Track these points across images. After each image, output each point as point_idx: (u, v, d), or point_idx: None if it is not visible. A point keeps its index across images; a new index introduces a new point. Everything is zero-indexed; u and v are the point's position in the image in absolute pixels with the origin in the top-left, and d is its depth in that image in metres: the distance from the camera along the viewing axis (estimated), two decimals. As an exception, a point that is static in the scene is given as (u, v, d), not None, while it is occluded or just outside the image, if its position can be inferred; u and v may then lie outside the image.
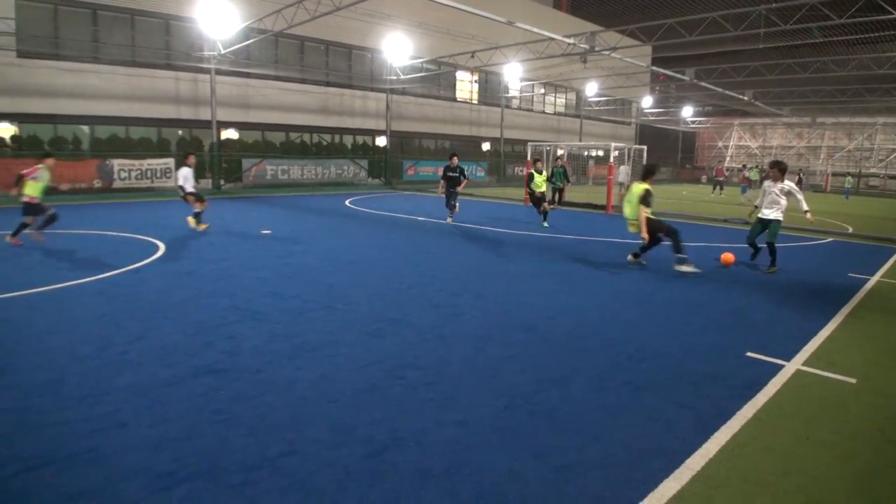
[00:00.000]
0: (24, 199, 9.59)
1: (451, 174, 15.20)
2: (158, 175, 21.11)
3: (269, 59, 25.93)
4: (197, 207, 12.16)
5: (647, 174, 9.86)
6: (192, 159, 12.57)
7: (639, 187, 9.51)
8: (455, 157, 15.52)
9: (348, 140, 29.94)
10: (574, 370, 5.03)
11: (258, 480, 3.21)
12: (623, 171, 24.71)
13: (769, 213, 9.91)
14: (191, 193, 12.16)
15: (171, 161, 21.44)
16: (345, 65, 29.40)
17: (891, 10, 17.23)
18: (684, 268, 9.21)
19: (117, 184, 20.12)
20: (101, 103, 21.54)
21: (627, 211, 9.70)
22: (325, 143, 28.78)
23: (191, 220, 12.23)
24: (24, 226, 9.69)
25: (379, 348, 5.36)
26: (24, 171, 9.69)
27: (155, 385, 4.38)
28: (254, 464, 3.36)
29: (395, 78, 29.56)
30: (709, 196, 31.15)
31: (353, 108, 29.64)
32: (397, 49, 26.29)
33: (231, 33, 21.42)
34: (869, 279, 9.69)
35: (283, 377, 4.61)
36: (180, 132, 24.21)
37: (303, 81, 27.26)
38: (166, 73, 23.04)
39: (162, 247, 10.06)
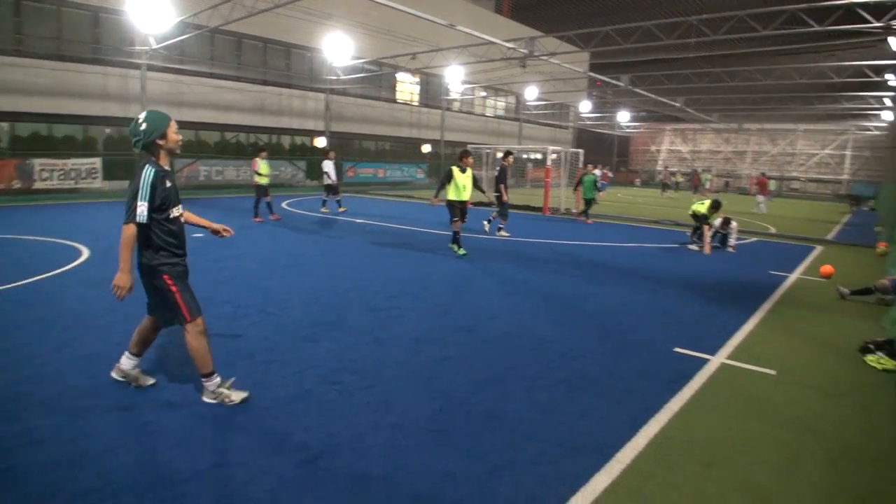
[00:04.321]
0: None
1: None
2: (84, 176, 20.21)
3: (204, 55, 25.20)
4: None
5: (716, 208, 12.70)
6: None
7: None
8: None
9: (286, 141, 29.44)
10: (510, 370, 5.10)
11: (188, 494, 3.11)
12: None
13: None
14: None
15: (97, 161, 20.57)
16: (283, 63, 28.88)
17: (811, 22, 18.20)
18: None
19: (38, 185, 19.11)
20: (22, 99, 20.37)
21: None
22: (261, 143, 28.17)
23: None
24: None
25: (314, 353, 5.30)
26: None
27: (76, 398, 4.19)
28: (183, 477, 3.25)
29: (334, 78, 29.27)
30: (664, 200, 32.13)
31: (292, 108, 29.12)
32: (337, 48, 26.03)
33: (164, 28, 20.68)
34: (788, 276, 10.24)
35: (215, 385, 4.49)
36: (108, 130, 23.21)
37: (239, 80, 26.62)
38: (94, 69, 22.01)
39: (86, 252, 9.62)
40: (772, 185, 38.78)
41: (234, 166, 25.23)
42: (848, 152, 49.49)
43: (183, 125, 24.74)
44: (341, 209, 17.52)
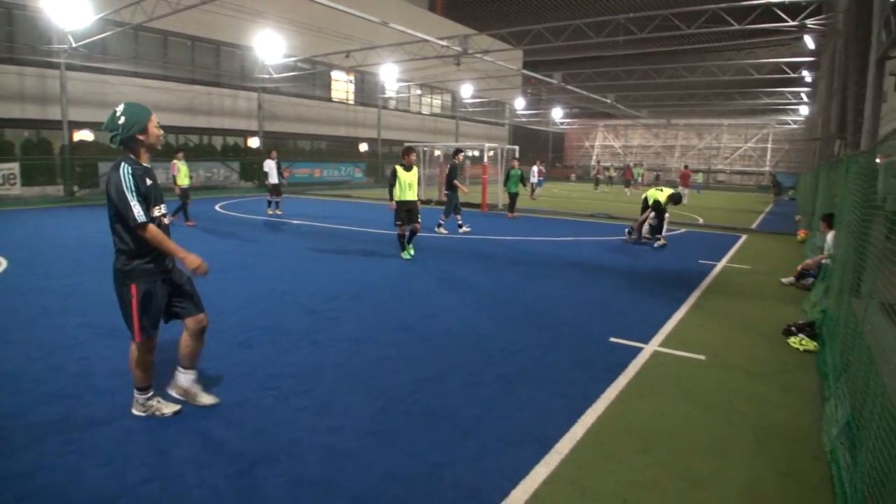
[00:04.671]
0: None
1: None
2: (0, 182, 19.09)
3: (127, 54, 24.17)
4: None
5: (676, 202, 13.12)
6: None
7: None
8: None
9: (218, 141, 28.60)
10: (450, 367, 5.10)
11: (113, 511, 2.97)
12: (534, 172, 26.56)
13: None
14: None
15: (14, 166, 19.49)
16: (212, 62, 28.05)
17: (732, 21, 18.99)
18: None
19: (-51, 192, 17.99)
20: (-72, 101, 19.13)
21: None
22: (192, 144, 27.30)
23: None
24: None
25: (249, 359, 5.16)
26: None
27: (-8, 416, 3.94)
28: (111, 495, 3.10)
29: (266, 76, 28.65)
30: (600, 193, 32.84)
31: (223, 108, 28.33)
32: (269, 46, 25.48)
33: (83, 25, 19.72)
34: (716, 265, 10.66)
35: (144, 397, 4.30)
36: (26, 133, 21.99)
37: (166, 79, 25.69)
38: (8, 68, 20.77)
39: (3, 262, 9.09)
40: (698, 177, 40.30)
41: (163, 169, 24.29)
42: (769, 145, 51.94)
43: (107, 127, 23.80)
44: (273, 211, 17.07)
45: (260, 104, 29.12)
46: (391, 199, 10.06)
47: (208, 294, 7.29)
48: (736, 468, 3.58)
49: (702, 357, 5.59)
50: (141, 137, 3.80)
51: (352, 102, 36.20)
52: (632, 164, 41.73)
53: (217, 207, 18.98)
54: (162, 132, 3.99)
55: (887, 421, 2.63)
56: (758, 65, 33.32)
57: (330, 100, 34.78)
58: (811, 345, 5.95)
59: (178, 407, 4.08)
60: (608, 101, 40.00)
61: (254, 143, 29.60)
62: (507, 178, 17.99)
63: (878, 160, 4.89)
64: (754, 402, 4.60)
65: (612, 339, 6.01)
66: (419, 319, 6.57)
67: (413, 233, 10.43)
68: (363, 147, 37.41)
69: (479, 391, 4.60)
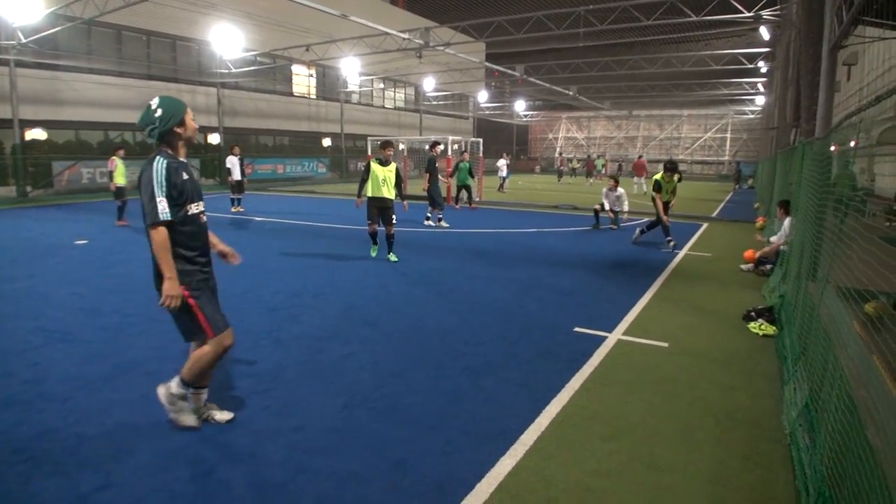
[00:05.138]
0: None
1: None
2: (-53, 182, 18.36)
3: (80, 49, 23.37)
4: None
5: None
6: None
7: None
8: (437, 146, 15.15)
9: (177, 138, 27.91)
10: (414, 362, 5.05)
11: (64, 522, 2.85)
12: (502, 165, 26.47)
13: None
14: None
15: (-37, 166, 18.75)
16: (169, 57, 27.33)
17: (689, 12, 19.25)
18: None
19: None
20: None
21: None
22: (149, 141, 26.61)
23: None
24: None
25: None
26: None
27: (-67, 427, 3.76)
28: (62, 504, 2.99)
29: (225, 71, 28.08)
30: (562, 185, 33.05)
31: (181, 104, 27.63)
32: (227, 41, 24.95)
33: (34, 20, 19.03)
34: (678, 252, 10.80)
35: (98, 403, 4.16)
36: (-26, 132, 21.19)
37: (121, 75, 24.96)
38: (-47, 66, 20.02)
39: (-51, 265, 8.74)
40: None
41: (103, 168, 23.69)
42: (728, 135, 53.00)
43: (62, 125, 23.14)
44: (237, 208, 16.79)
45: (219, 99, 28.53)
46: (359, 195, 9.33)
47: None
48: (699, 453, 3.61)
49: (664, 344, 5.65)
50: (179, 130, 3.62)
51: (314, 97, 35.73)
52: (594, 156, 42.27)
53: (177, 205, 18.55)
54: (197, 125, 3.79)
55: (844, 402, 2.67)
56: (716, 56, 33.89)
57: (291, 94, 34.27)
58: (770, 329, 6.06)
59: (231, 414, 3.92)
60: (570, 93, 40.29)
61: (214, 139, 29.00)
62: (456, 169, 18.06)
63: (832, 148, 4.98)
64: (716, 387, 4.65)
65: (577, 329, 6.03)
66: (384, 315, 6.50)
67: (389, 238, 9.53)
68: (326, 142, 36.98)
69: (443, 385, 4.57)
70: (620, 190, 14.00)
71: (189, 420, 3.79)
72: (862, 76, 18.04)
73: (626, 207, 14.15)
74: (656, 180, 11.38)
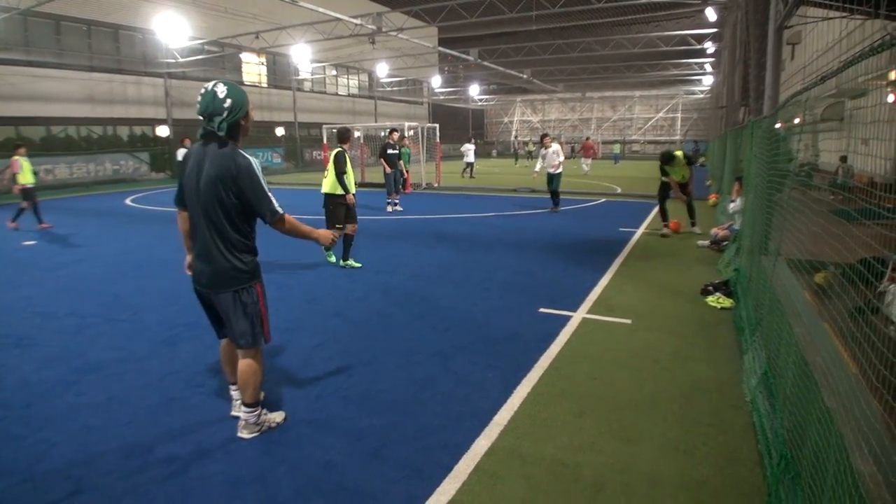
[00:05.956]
0: None
1: (391, 152, 14.62)
2: None
3: (17, 41, 22.37)
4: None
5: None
6: None
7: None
8: (395, 133, 15.23)
9: (123, 132, 27.03)
10: (384, 349, 5.07)
11: (36, 529, 2.79)
12: (469, 150, 26.02)
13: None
14: None
15: None
16: (112, 47, 26.36)
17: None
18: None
19: None
20: None
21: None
22: (95, 136, 25.75)
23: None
24: None
25: (174, 357, 4.95)
26: None
27: None
28: (30, 512, 2.92)
29: (172, 61, 27.27)
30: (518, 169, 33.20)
31: (126, 96, 26.71)
32: (171, 29, 24.22)
33: (-40, 12, 18.17)
34: (635, 231, 11.06)
35: (61, 407, 4.05)
36: None
37: (61, 67, 23.98)
38: None
39: None
40: (616, 148, 41.53)
41: (65, 163, 22.92)
42: (679, 115, 54.09)
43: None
44: None
45: (167, 90, 27.73)
46: (346, 190, 7.92)
47: (126, 294, 6.98)
48: (666, 423, 3.74)
49: (628, 321, 5.80)
50: (244, 122, 3.38)
51: (265, 86, 35.05)
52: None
53: (128, 201, 18.05)
54: None
55: (800, 368, 2.80)
56: (665, 37, 34.45)
57: (242, 83, 33.54)
58: (727, 302, 6.27)
59: (284, 414, 3.83)
60: (524, 76, 40.47)
61: (163, 131, 28.19)
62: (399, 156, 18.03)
63: (778, 125, 5.15)
64: (679, 359, 4.81)
65: (542, 310, 6.14)
66: (348, 304, 6.49)
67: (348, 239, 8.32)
68: (280, 131, 36.38)
69: (414, 371, 4.60)
70: (554, 146, 13.63)
71: (277, 417, 3.77)
72: (805, 55, 18.63)
73: (556, 161, 13.51)
74: (660, 167, 11.51)
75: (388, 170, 14.48)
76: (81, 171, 23.32)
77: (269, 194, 3.34)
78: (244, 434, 3.62)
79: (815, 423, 2.34)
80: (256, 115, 25.59)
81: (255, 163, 3.32)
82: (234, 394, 3.78)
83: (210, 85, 3.30)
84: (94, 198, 19.41)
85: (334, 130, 9.29)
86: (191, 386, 4.37)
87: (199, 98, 3.28)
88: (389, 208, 14.59)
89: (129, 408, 4.02)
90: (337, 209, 8.00)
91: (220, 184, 3.25)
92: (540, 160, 13.90)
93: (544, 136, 14.18)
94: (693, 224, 10.99)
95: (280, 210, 3.35)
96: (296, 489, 3.08)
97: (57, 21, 23.75)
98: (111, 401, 4.13)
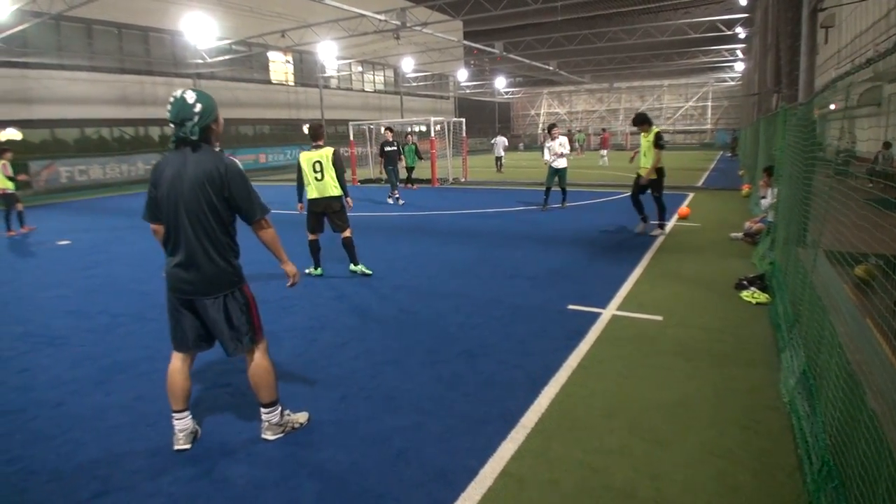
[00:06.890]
0: None
1: (388, 149, 15.80)
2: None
3: (50, 46, 22.86)
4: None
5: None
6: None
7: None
8: (389, 131, 16.14)
9: (155, 132, 27.49)
10: (408, 348, 5.02)
11: (63, 531, 2.80)
12: (500, 143, 26.05)
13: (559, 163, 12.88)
14: None
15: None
16: (142, 49, 26.82)
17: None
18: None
19: None
20: None
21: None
22: (128, 137, 26.22)
23: None
24: None
25: (200, 357, 4.89)
26: None
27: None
28: (58, 512, 2.94)
29: (201, 62, 27.62)
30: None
31: (157, 97, 27.14)
32: (199, 30, 24.46)
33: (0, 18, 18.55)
34: (666, 224, 10.79)
35: (91, 406, 4.09)
36: (-56, 135, 20.75)
37: (94, 70, 24.45)
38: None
39: (-71, 273, 8.57)
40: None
41: (98, 164, 23.36)
42: (709, 103, 53.05)
43: (35, 124, 22.70)
44: None
45: (196, 91, 28.07)
46: (346, 192, 7.58)
47: (155, 293, 7.05)
48: (699, 425, 3.61)
49: (659, 318, 5.65)
50: (215, 127, 3.43)
51: (292, 84, 35.29)
52: (574, 131, 42.23)
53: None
54: None
55: (843, 368, 2.66)
56: (694, 24, 33.79)
57: (269, 82, 33.82)
58: (763, 297, 6.07)
59: (307, 414, 3.82)
60: (550, 67, 40.06)
61: (193, 131, 28.55)
62: (401, 153, 18.33)
63: (815, 112, 4.96)
64: (711, 357, 4.66)
65: (570, 307, 6.02)
66: (373, 302, 6.46)
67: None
68: (307, 129, 36.62)
69: (439, 370, 4.53)
70: (561, 138, 12.94)
71: (301, 418, 3.75)
72: (839, 38, 18.05)
73: (560, 151, 12.89)
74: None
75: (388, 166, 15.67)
76: (114, 171, 23.74)
77: (257, 195, 3.42)
78: (268, 436, 3.59)
79: (863, 428, 2.21)
80: (284, 114, 26.09)
81: (239, 164, 3.40)
82: (177, 423, 3.53)
83: (179, 92, 3.34)
84: (127, 198, 19.75)
85: (305, 127, 9.11)
86: (216, 385, 4.37)
87: (169, 106, 3.28)
88: (390, 201, 15.39)
89: (155, 407, 4.03)
90: (341, 212, 7.52)
91: (210, 185, 3.24)
92: (546, 151, 13.00)
93: (552, 126, 13.40)
94: (661, 226, 10.06)
95: (269, 209, 3.45)
96: (318, 493, 3.04)
97: (88, 25, 24.22)
98: (139, 400, 4.15)
